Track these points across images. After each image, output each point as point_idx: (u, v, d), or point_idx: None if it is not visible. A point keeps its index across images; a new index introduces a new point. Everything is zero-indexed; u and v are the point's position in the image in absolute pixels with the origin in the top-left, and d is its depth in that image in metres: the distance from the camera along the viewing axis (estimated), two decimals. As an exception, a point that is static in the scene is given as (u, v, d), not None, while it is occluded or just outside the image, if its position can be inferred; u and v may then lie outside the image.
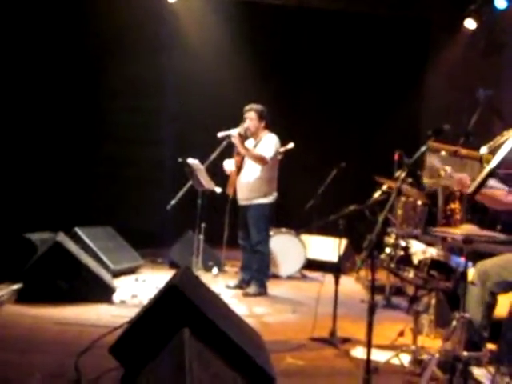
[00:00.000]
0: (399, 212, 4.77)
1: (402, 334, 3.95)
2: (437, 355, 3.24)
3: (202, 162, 5.68)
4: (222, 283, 5.85)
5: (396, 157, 4.32)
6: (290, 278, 6.84)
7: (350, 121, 9.05)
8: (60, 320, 4.23)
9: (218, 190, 5.78)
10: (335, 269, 4.31)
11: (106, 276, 5.11)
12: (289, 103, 8.80)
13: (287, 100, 8.81)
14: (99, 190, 7.99)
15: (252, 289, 5.64)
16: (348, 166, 6.54)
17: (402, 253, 3.61)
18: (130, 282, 5.83)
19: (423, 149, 3.26)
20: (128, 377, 2.76)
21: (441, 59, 8.28)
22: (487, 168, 2.32)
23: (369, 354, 2.84)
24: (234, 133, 5.55)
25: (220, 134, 5.59)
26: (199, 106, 8.48)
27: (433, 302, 4.20)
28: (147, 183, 8.50)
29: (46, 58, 7.48)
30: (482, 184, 2.28)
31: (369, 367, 2.85)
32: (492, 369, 3.20)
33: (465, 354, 2.99)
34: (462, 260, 3.31)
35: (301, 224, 6.94)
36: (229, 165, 5.83)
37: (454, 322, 3.09)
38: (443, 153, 3.73)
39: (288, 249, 6.83)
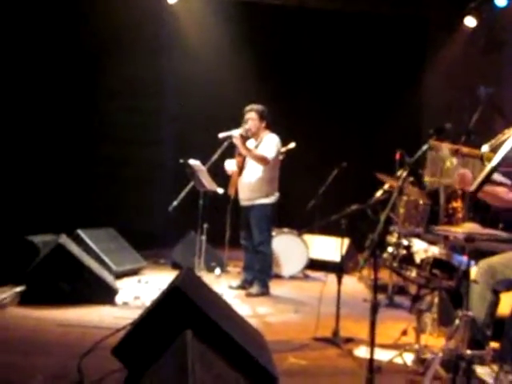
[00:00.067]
0: (401, 211, 4.76)
1: (404, 333, 3.94)
2: (440, 354, 3.23)
3: (203, 163, 5.68)
4: (224, 283, 5.85)
5: (397, 156, 4.31)
6: (292, 278, 6.84)
7: (350, 120, 9.06)
8: (63, 322, 4.23)
9: (220, 190, 5.78)
10: (338, 268, 4.31)
11: (108, 278, 5.11)
12: (289, 103, 8.80)
13: (287, 100, 8.81)
14: (101, 192, 7.99)
15: (255, 289, 5.64)
16: (349, 165, 6.53)
17: (404, 252, 3.61)
18: (133, 284, 5.84)
19: (425, 148, 3.25)
20: (131, 378, 2.76)
21: (439, 57, 8.27)
22: (489, 166, 2.32)
23: (372, 353, 2.84)
24: (235, 133, 5.54)
25: (221, 135, 5.59)
26: (199, 107, 8.49)
27: (436, 300, 4.19)
28: (149, 184, 8.51)
29: (44, 58, 7.47)
30: (484, 182, 2.28)
31: (372, 366, 2.85)
32: (495, 367, 3.20)
33: (468, 352, 2.99)
34: (464, 258, 3.31)
35: (303, 224, 6.93)
36: (230, 165, 5.83)
37: (457, 321, 3.09)
38: (445, 151, 3.73)
39: (290, 249, 6.82)
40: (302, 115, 8.93)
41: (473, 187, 2.29)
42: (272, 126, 5.84)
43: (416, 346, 3.58)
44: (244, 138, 5.62)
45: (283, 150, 6.05)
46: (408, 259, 3.58)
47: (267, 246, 5.76)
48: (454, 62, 8.09)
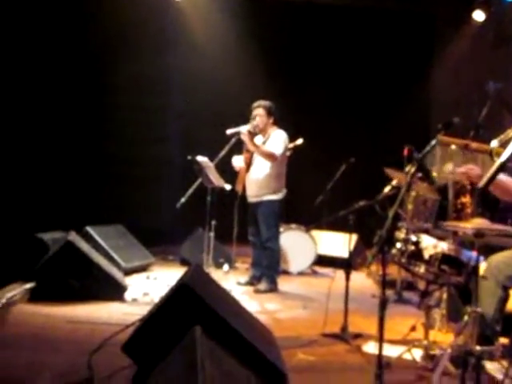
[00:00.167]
0: (409, 206, 4.74)
1: (413, 328, 3.93)
2: (449, 350, 3.22)
3: (211, 159, 5.68)
4: (232, 280, 5.86)
5: (406, 152, 4.29)
6: (300, 274, 6.84)
7: (358, 116, 9.03)
8: (72, 318, 4.26)
9: (228, 187, 5.79)
10: (346, 264, 4.30)
11: (117, 274, 5.14)
12: (296, 99, 8.78)
13: (295, 96, 8.79)
14: (109, 189, 8.02)
15: (263, 285, 5.65)
16: (357, 161, 6.51)
17: (412, 248, 3.60)
18: (142, 280, 5.86)
19: (433, 143, 3.24)
20: (140, 375, 2.77)
21: (447, 53, 8.23)
22: (498, 161, 2.30)
23: (380, 349, 2.84)
24: (243, 130, 5.54)
25: (229, 131, 5.59)
26: (206, 103, 8.49)
27: (444, 296, 4.18)
28: (156, 181, 8.53)
29: (50, 56, 7.47)
30: (493, 178, 2.26)
31: (380, 362, 2.84)
32: (505, 363, 3.19)
33: (477, 348, 2.98)
34: (473, 254, 3.29)
35: (311, 220, 6.93)
36: (237, 161, 5.83)
37: (466, 317, 3.08)
38: (453, 147, 3.72)
39: (298, 245, 6.82)
40: (310, 111, 8.91)
41: (481, 183, 2.27)
42: (279, 122, 5.84)
43: (425, 342, 3.57)
44: (252, 135, 5.62)
45: (291, 146, 6.04)
46: (416, 255, 3.57)
47: (275, 242, 5.76)
48: (462, 57, 8.04)
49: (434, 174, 3.97)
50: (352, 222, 4.32)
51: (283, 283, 5.92)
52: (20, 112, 7.17)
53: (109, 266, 5.17)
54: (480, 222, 3.20)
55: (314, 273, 6.98)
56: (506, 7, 7.27)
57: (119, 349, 2.89)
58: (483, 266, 3.51)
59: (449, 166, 3.45)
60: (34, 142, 7.36)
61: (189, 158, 5.55)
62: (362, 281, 6.28)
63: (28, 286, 4.73)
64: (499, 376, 3.19)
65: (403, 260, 3.63)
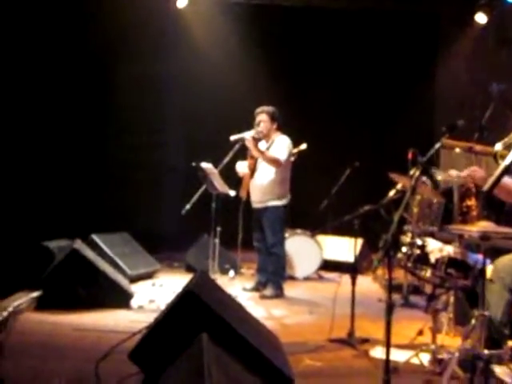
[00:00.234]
0: (415, 210, 4.73)
1: (420, 332, 3.91)
2: (457, 354, 3.20)
3: (214, 166, 5.69)
4: (238, 286, 5.85)
5: (410, 155, 4.27)
6: (306, 279, 6.83)
7: (362, 119, 9.02)
8: (79, 326, 4.26)
9: (233, 193, 5.79)
10: (352, 269, 4.29)
11: (123, 281, 5.14)
12: (300, 103, 8.78)
13: (298, 100, 8.79)
14: (114, 197, 8.03)
15: (269, 291, 5.64)
16: (361, 164, 6.51)
17: (418, 251, 3.58)
18: (147, 287, 5.86)
19: (437, 146, 3.23)
20: (147, 382, 2.77)
21: (451, 54, 8.22)
22: (502, 164, 2.29)
23: (388, 353, 2.82)
24: (247, 136, 5.55)
25: (232, 138, 5.60)
26: (209, 109, 8.50)
27: (451, 299, 4.16)
28: (161, 188, 8.54)
29: (51, 60, 7.45)
30: (498, 181, 2.26)
31: (388, 367, 2.83)
32: (514, 366, 3.17)
33: (485, 352, 2.96)
34: (479, 257, 3.28)
35: (316, 224, 6.92)
36: (241, 167, 5.83)
37: (474, 320, 3.06)
38: (457, 150, 3.71)
39: (304, 250, 6.81)
40: (313, 115, 8.91)
41: (486, 186, 2.27)
42: (283, 127, 5.84)
43: (432, 346, 3.55)
44: (256, 140, 5.63)
45: (295, 151, 6.04)
46: (422, 259, 3.55)
47: (280, 247, 5.75)
48: (465, 58, 8.04)
49: (439, 177, 3.96)
50: (357, 227, 4.31)
51: (289, 288, 5.91)
52: (22, 120, 7.16)
53: (115, 273, 5.17)
54: (486, 225, 3.18)
55: (320, 278, 6.96)
56: (508, 9, 7.27)
57: (126, 356, 2.89)
58: (490, 269, 3.50)
59: (452, 172, 3.44)
60: (39, 150, 7.37)
61: (193, 164, 5.56)
62: (368, 285, 6.26)
63: (35, 294, 4.74)
64: (508, 380, 3.18)
65: (409, 264, 3.62)
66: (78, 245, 4.98)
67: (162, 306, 4.49)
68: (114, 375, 3.07)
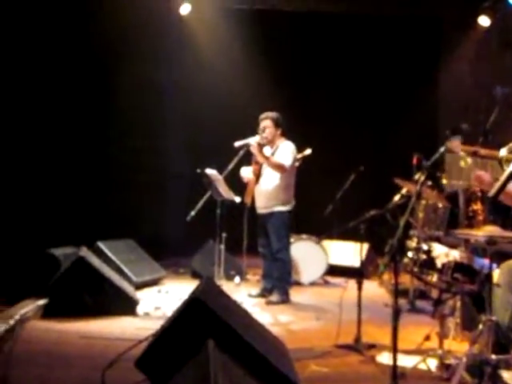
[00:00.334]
0: (420, 215, 4.73)
1: (428, 338, 3.89)
2: (464, 359, 3.19)
3: (219, 172, 5.70)
4: (244, 292, 5.84)
5: (415, 161, 4.28)
6: (312, 284, 6.81)
7: (366, 123, 9.02)
8: (85, 334, 4.26)
9: (238, 199, 5.79)
10: (358, 274, 4.28)
11: (128, 288, 5.14)
12: (304, 109, 8.79)
13: (302, 106, 8.80)
14: (119, 203, 8.04)
15: (275, 297, 5.63)
16: (366, 169, 6.51)
17: (424, 256, 3.57)
18: (153, 294, 5.86)
19: (442, 150, 3.23)
20: (154, 390, 2.77)
21: (454, 57, 8.22)
22: (508, 170, 2.29)
23: (395, 359, 2.82)
24: (252, 142, 5.55)
25: (237, 144, 5.60)
26: (212, 115, 8.50)
27: (458, 304, 4.14)
28: (166, 194, 8.54)
29: (54, 64, 7.43)
30: (503, 187, 2.25)
31: (395, 373, 2.83)
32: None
33: (493, 357, 2.95)
34: (486, 262, 3.27)
35: (321, 229, 6.91)
36: (246, 172, 5.83)
37: (481, 325, 3.05)
38: (462, 153, 3.70)
39: (309, 255, 6.79)
40: (317, 120, 8.91)
41: (492, 192, 2.26)
42: (287, 133, 5.84)
43: (439, 352, 3.53)
44: (261, 146, 5.63)
45: (299, 156, 6.04)
46: (429, 264, 3.54)
47: (286, 253, 5.75)
48: (469, 61, 8.03)
49: (444, 181, 3.96)
50: (363, 231, 4.30)
51: (295, 294, 5.90)
52: (24, 128, 7.15)
53: (120, 280, 5.18)
54: (492, 230, 3.17)
55: (326, 283, 6.94)
56: (511, 12, 7.26)
57: (132, 364, 2.89)
58: (496, 274, 3.48)
59: (468, 160, 3.38)
60: (44, 159, 7.38)
61: (198, 171, 5.56)
62: (375, 290, 6.24)
63: (41, 302, 4.74)
64: (516, 385, 3.16)
65: (415, 269, 3.61)
66: (84, 252, 4.99)
67: (168, 313, 4.49)
68: (121, 383, 3.07)
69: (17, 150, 7.00)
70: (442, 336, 3.61)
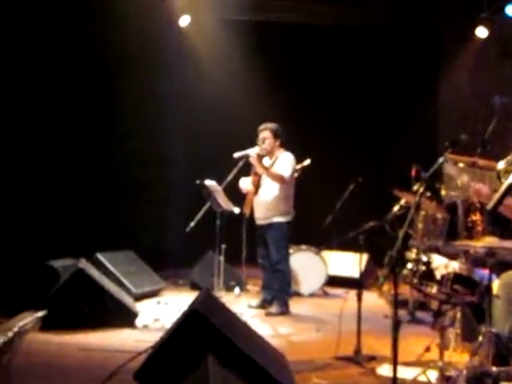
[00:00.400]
0: (419, 226, 4.73)
1: (428, 349, 3.87)
2: (464, 371, 3.17)
3: (219, 183, 5.70)
4: (244, 303, 5.83)
5: (413, 172, 4.29)
6: (311, 295, 6.79)
7: (365, 134, 9.03)
8: (84, 346, 4.25)
9: (237, 210, 5.79)
10: (357, 285, 4.28)
11: (128, 300, 5.13)
12: (303, 120, 8.80)
13: (301, 117, 8.81)
14: (118, 215, 8.04)
15: (274, 308, 5.61)
16: (365, 179, 6.51)
17: (424, 268, 3.58)
18: (152, 306, 5.84)
19: (440, 161, 3.23)
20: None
21: (453, 68, 8.26)
22: (506, 183, 2.29)
23: (395, 371, 2.80)
24: (251, 153, 5.57)
25: (236, 155, 5.61)
26: (212, 126, 8.52)
27: (458, 315, 4.13)
28: (165, 205, 8.54)
29: (57, 71, 7.45)
30: (502, 200, 2.25)
31: (395, 385, 2.81)
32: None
33: (493, 368, 2.94)
34: (485, 272, 3.27)
35: (321, 240, 6.90)
36: (245, 183, 5.83)
37: (481, 337, 3.04)
38: (461, 164, 3.71)
39: (309, 266, 6.78)
40: (317, 131, 8.92)
41: (490, 205, 2.26)
42: (287, 144, 5.85)
43: (440, 363, 3.51)
44: (260, 157, 5.64)
45: (298, 167, 6.05)
46: (428, 275, 3.54)
47: (285, 264, 5.74)
48: (468, 71, 8.07)
49: (443, 192, 3.97)
50: (362, 242, 4.30)
51: (295, 305, 5.88)
52: (24, 136, 7.15)
53: (120, 292, 5.16)
54: (491, 241, 3.17)
55: (326, 294, 6.92)
56: (509, 23, 7.31)
57: (131, 376, 2.88)
58: (496, 284, 3.48)
59: (464, 178, 3.40)
60: (44, 169, 7.39)
61: (197, 182, 5.57)
62: (374, 301, 6.22)
63: (40, 314, 4.73)
64: (517, 397, 3.14)
65: (415, 281, 3.60)
66: (83, 264, 4.98)
67: (167, 325, 4.47)
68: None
69: (15, 164, 7.01)
70: (443, 347, 3.59)
